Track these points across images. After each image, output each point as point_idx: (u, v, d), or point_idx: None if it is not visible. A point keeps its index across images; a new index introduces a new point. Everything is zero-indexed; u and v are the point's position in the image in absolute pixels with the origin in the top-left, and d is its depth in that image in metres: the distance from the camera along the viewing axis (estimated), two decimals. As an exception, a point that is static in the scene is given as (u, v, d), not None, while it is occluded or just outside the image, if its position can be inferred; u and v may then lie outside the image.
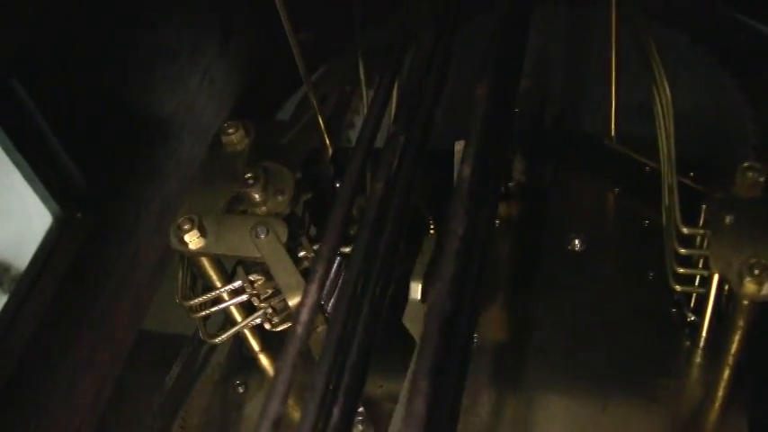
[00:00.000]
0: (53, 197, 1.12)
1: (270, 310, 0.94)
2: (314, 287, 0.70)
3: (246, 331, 1.01)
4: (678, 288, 0.94)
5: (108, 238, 1.20)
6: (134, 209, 1.25)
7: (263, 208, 0.91)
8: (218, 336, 0.97)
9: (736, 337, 0.87)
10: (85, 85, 1.15)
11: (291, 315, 0.92)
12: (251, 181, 0.91)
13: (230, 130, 0.96)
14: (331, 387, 0.68)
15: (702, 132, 1.19)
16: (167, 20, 1.33)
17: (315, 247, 0.91)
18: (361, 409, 0.94)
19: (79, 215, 1.15)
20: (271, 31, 1.01)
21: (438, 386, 0.63)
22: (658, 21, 1.30)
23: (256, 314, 0.95)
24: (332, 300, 0.85)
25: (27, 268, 1.08)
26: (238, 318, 0.96)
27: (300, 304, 0.69)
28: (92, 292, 1.17)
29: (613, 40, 1.04)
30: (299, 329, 0.68)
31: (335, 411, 0.67)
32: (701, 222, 0.91)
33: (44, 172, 1.10)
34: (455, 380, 0.71)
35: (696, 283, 0.94)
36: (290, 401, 0.91)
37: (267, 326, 0.95)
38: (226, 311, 0.96)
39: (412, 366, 0.78)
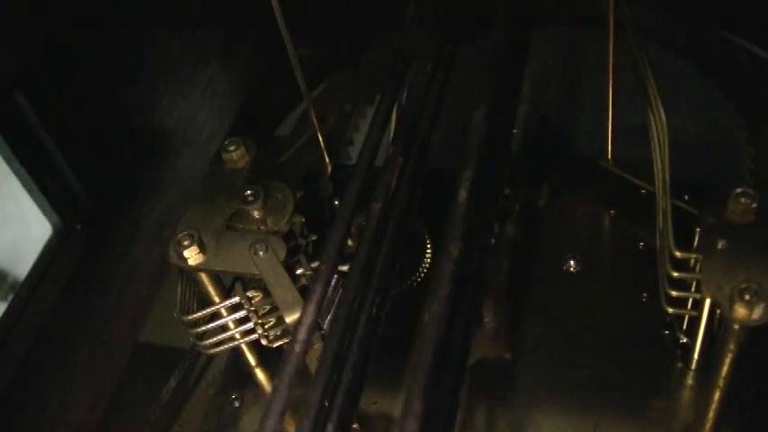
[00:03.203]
0: (53, 208, 1.13)
1: (267, 326, 0.95)
2: (312, 307, 0.71)
3: (243, 346, 1.02)
4: (670, 310, 0.94)
5: (107, 249, 1.21)
6: (133, 221, 1.26)
7: (263, 225, 0.92)
8: (215, 348, 0.98)
9: (727, 360, 0.88)
10: (88, 98, 1.16)
11: (288, 331, 0.93)
12: (251, 198, 0.92)
13: (231, 148, 0.97)
14: (326, 404, 0.69)
15: (699, 155, 1.20)
16: (170, 34, 1.34)
17: (313, 265, 0.92)
18: (355, 426, 0.95)
19: (79, 226, 1.16)
20: (272, 46, 1.02)
21: (431, 407, 0.64)
22: (656, 44, 1.32)
23: (252, 331, 0.95)
24: (328, 317, 0.86)
25: (26, 278, 1.09)
26: (236, 333, 0.97)
27: (298, 323, 0.71)
28: (90, 304, 1.18)
29: (610, 62, 1.05)
30: (297, 348, 0.69)
31: (330, 428, 0.68)
32: (695, 246, 0.92)
33: (45, 183, 1.10)
34: (448, 401, 0.72)
35: (689, 306, 0.95)
36: (287, 417, 0.92)
37: (264, 342, 0.96)
38: (223, 327, 0.97)
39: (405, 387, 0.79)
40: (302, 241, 0.94)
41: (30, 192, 1.11)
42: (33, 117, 1.08)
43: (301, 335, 0.69)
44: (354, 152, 1.25)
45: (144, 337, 1.19)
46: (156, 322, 1.21)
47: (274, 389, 0.66)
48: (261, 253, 0.88)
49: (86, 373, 1.16)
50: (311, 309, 0.71)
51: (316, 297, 0.71)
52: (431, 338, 0.67)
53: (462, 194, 0.75)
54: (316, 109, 1.08)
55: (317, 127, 1.06)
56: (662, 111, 0.97)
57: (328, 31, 1.41)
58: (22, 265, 1.11)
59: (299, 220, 0.93)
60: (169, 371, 1.10)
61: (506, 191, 1.10)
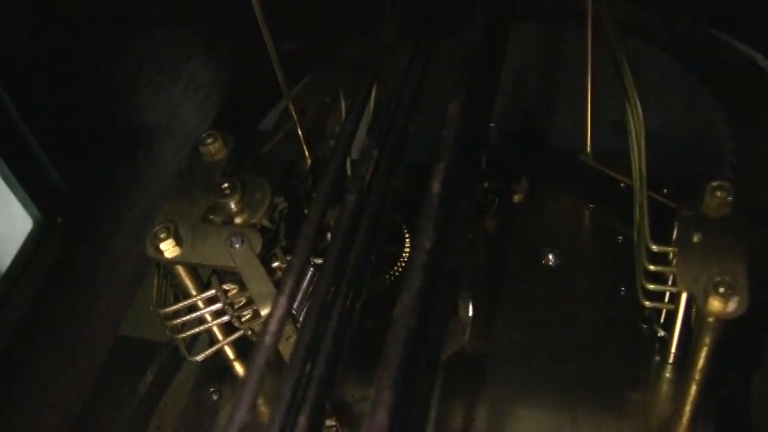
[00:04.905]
0: (34, 202, 1.12)
1: (244, 319, 0.94)
2: (283, 298, 0.71)
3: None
4: (648, 304, 0.95)
5: (88, 243, 1.21)
6: (115, 215, 1.26)
7: (239, 218, 0.92)
8: (199, 354, 0.98)
9: (703, 354, 0.88)
10: (69, 91, 1.16)
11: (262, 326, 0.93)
12: (227, 191, 0.92)
13: (208, 140, 0.97)
14: (298, 395, 0.69)
15: (682, 151, 1.20)
16: (153, 28, 1.34)
17: (289, 258, 0.92)
18: (332, 421, 0.95)
19: (60, 220, 1.15)
20: (255, 41, 1.02)
21: (402, 398, 0.64)
22: (640, 38, 1.32)
23: (230, 325, 0.96)
24: (304, 309, 0.86)
25: (6, 272, 1.09)
26: (214, 328, 0.97)
27: (269, 315, 0.70)
28: (70, 298, 1.18)
29: (589, 56, 1.05)
30: (267, 339, 0.69)
31: (302, 419, 0.68)
32: (673, 239, 0.92)
33: (25, 176, 1.10)
34: (420, 392, 0.72)
35: (666, 300, 0.95)
36: (263, 410, 0.93)
37: (252, 337, 0.96)
38: (200, 320, 0.97)
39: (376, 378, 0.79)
40: (281, 207, 0.95)
41: (10, 186, 1.10)
42: (12, 110, 1.08)
43: (272, 326, 0.69)
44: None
45: (125, 331, 1.19)
46: (137, 316, 1.21)
47: (244, 380, 0.66)
48: (237, 245, 0.88)
49: (67, 367, 1.16)
50: (282, 300, 0.70)
51: (287, 288, 0.71)
52: (402, 330, 0.67)
53: (436, 186, 0.75)
54: (297, 104, 1.08)
55: (296, 120, 1.06)
56: (639, 105, 0.97)
57: (310, 26, 1.41)
58: (3, 261, 1.10)
59: (281, 205, 0.93)
60: (149, 364, 1.09)
61: (485, 184, 1.10)
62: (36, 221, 1.13)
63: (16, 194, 1.11)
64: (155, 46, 1.35)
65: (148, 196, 1.31)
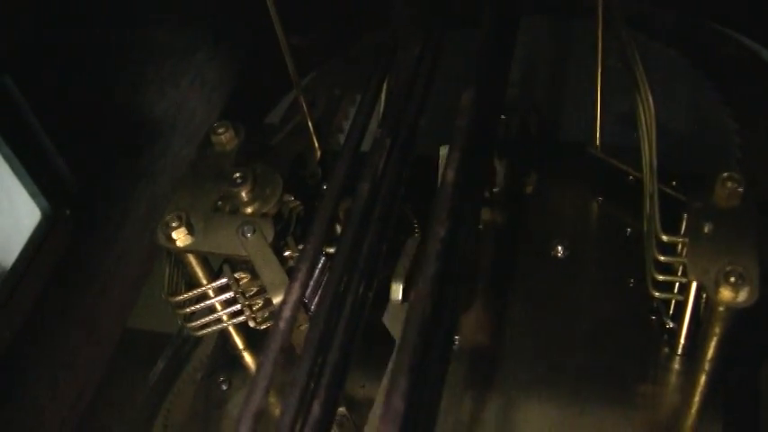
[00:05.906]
0: (42, 193, 1.13)
1: (255, 308, 0.95)
2: (297, 285, 0.72)
3: (231, 329, 1.02)
4: (657, 295, 0.95)
5: (96, 235, 1.21)
6: (122, 207, 1.26)
7: (251, 208, 0.92)
8: (203, 330, 0.98)
9: (713, 344, 0.88)
10: (77, 84, 1.16)
11: (275, 313, 0.93)
12: (239, 181, 0.92)
13: (220, 131, 0.97)
14: (312, 383, 0.69)
15: (688, 144, 1.21)
16: (160, 21, 1.35)
17: (300, 247, 0.92)
18: (342, 409, 0.95)
19: (68, 212, 1.16)
20: (263, 33, 1.02)
21: (416, 384, 0.64)
22: (646, 34, 1.33)
23: (239, 313, 0.96)
24: (316, 298, 0.86)
25: (14, 264, 1.09)
26: (223, 315, 0.97)
27: (283, 301, 0.71)
28: (78, 289, 1.18)
29: (599, 50, 1.05)
30: (282, 326, 0.69)
31: (316, 406, 0.68)
32: (683, 231, 0.92)
33: (34, 168, 1.11)
34: (434, 379, 0.72)
35: (675, 291, 0.95)
36: (274, 399, 0.93)
37: (252, 324, 0.96)
38: (211, 309, 0.97)
39: (391, 364, 0.79)
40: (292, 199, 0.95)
41: (20, 177, 1.11)
42: (22, 102, 1.08)
43: (286, 312, 0.69)
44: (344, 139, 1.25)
45: (132, 323, 1.19)
46: (144, 309, 1.21)
47: (260, 365, 0.67)
48: (249, 235, 0.88)
49: (74, 359, 1.16)
50: (296, 287, 0.71)
51: (300, 275, 0.71)
52: (417, 316, 0.67)
53: (450, 174, 0.75)
54: (305, 96, 1.08)
55: (306, 112, 1.07)
56: (650, 96, 0.97)
57: (319, 19, 1.41)
58: (11, 253, 1.10)
59: (291, 200, 0.93)
60: (157, 357, 1.10)
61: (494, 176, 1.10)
62: (44, 213, 1.14)
63: (26, 186, 1.11)
64: (162, 40, 1.36)
65: (155, 189, 1.32)
